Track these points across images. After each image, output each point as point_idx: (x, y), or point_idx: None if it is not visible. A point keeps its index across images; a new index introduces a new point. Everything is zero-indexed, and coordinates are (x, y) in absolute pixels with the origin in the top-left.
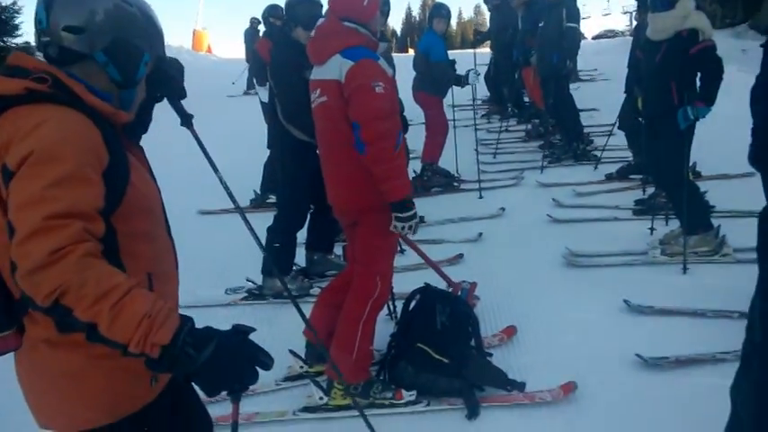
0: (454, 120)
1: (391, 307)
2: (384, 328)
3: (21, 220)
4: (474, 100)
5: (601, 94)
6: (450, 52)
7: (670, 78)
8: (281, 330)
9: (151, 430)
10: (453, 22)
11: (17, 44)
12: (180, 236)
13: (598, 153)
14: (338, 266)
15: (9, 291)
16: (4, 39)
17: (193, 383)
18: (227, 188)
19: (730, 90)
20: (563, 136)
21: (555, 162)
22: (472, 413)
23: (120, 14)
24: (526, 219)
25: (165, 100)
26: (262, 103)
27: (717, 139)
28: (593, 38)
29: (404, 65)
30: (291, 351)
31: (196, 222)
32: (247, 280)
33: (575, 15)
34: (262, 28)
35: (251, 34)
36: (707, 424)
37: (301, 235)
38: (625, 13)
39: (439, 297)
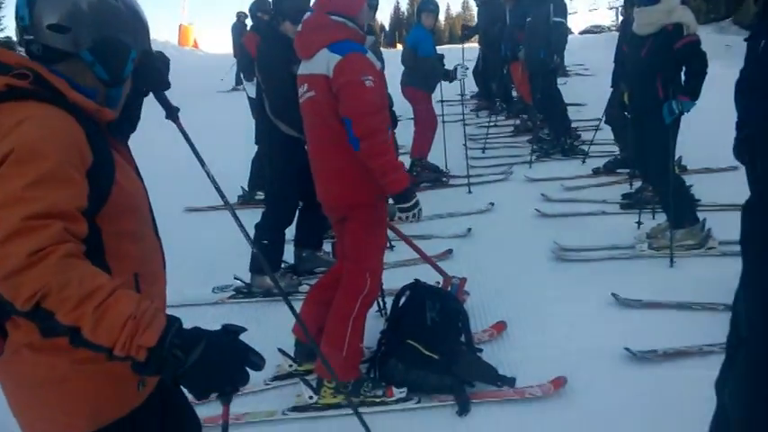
0: (443, 115)
1: (381, 303)
2: (374, 325)
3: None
4: (462, 95)
5: (588, 88)
6: (438, 47)
7: (655, 73)
8: (269, 329)
9: None
10: (441, 17)
11: None
12: (166, 234)
13: (586, 147)
14: (327, 263)
15: None
16: None
17: (182, 386)
18: (214, 182)
19: (714, 85)
20: (551, 131)
21: (543, 157)
22: (463, 409)
23: (106, 10)
24: (515, 213)
25: (151, 94)
26: (249, 98)
27: (702, 133)
28: (580, 33)
29: (392, 60)
30: (280, 350)
31: (183, 220)
32: (235, 278)
33: (562, 10)
34: (249, 22)
35: (238, 29)
36: (696, 416)
37: (290, 232)
38: (611, 8)
39: (429, 293)
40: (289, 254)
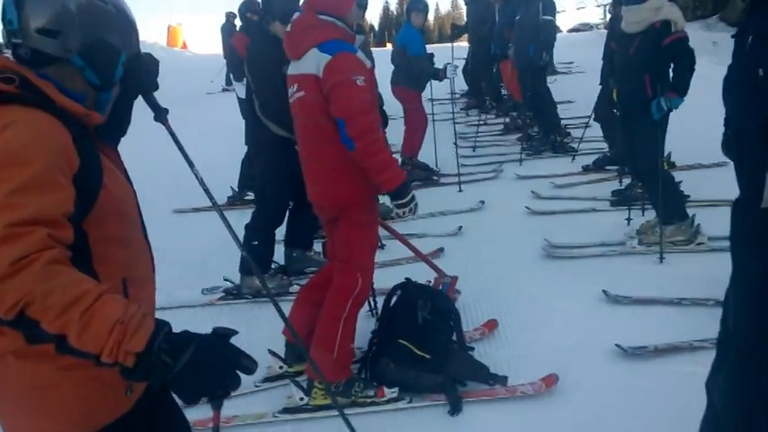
0: (433, 113)
1: (372, 303)
2: (365, 325)
3: None
4: (452, 93)
5: (576, 86)
6: (427, 46)
7: (644, 70)
8: (259, 330)
9: None
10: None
11: None
12: (155, 236)
13: (575, 145)
14: (318, 263)
15: None
16: None
17: (171, 391)
18: (202, 184)
19: (702, 81)
20: (540, 128)
21: (533, 154)
22: (455, 409)
23: (95, 13)
24: (506, 211)
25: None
26: (239, 98)
27: (690, 129)
28: (569, 31)
29: (382, 59)
30: (271, 351)
31: (171, 222)
32: (225, 279)
33: (551, 8)
34: (238, 22)
35: (228, 29)
36: (687, 411)
37: (280, 232)
38: (599, 6)
39: (420, 292)
40: (279, 254)
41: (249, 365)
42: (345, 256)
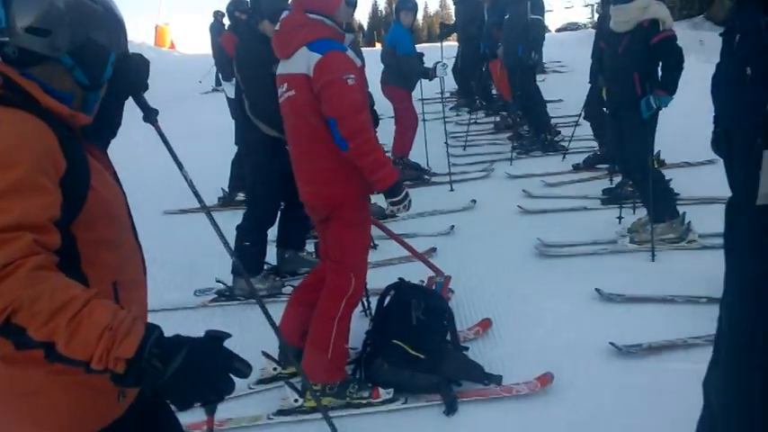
0: (423, 113)
1: (366, 303)
2: (359, 326)
3: None
4: (442, 93)
5: (565, 85)
6: (417, 46)
7: (633, 69)
8: (252, 332)
9: None
10: (420, 16)
11: None
12: (146, 238)
13: (565, 143)
14: (310, 264)
15: None
16: None
17: (163, 396)
18: (191, 185)
19: (690, 80)
20: (530, 127)
21: (524, 153)
22: (450, 409)
23: (84, 12)
24: (497, 210)
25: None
26: (228, 98)
27: (679, 127)
28: (557, 30)
29: (372, 59)
30: (264, 353)
31: (162, 223)
32: (217, 281)
33: (539, 7)
34: (227, 21)
35: (216, 28)
36: (681, 409)
37: (272, 232)
38: (587, 5)
39: (414, 292)
40: (271, 255)
41: (243, 369)
42: (338, 257)
